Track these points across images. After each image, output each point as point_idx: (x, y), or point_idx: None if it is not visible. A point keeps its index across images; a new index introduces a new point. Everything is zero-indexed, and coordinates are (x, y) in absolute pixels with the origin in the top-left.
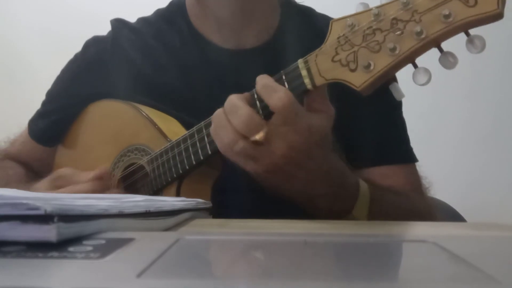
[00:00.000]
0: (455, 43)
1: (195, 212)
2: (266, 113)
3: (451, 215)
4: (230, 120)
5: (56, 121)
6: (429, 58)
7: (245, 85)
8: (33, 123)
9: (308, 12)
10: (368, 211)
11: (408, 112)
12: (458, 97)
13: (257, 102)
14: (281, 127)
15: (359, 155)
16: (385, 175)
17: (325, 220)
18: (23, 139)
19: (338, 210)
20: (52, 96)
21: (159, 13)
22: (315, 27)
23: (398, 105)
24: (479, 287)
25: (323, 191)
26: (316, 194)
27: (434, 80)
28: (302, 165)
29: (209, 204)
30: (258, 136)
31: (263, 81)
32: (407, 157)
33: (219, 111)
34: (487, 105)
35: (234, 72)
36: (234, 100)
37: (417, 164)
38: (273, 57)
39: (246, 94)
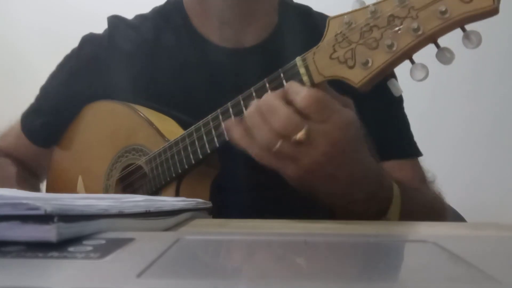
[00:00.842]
0: (456, 43)
1: (195, 212)
2: None
3: (451, 215)
4: (269, 121)
5: (52, 122)
6: (429, 58)
7: (243, 84)
8: (27, 119)
9: (305, 10)
10: (400, 213)
11: (408, 112)
12: (458, 97)
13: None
14: (319, 124)
15: None
16: (392, 169)
17: (325, 220)
18: (15, 133)
19: (374, 213)
20: (48, 94)
21: (156, 10)
22: (313, 25)
23: (400, 100)
24: (479, 287)
25: (362, 194)
26: (356, 197)
27: (434, 80)
28: (343, 164)
29: (209, 204)
30: (299, 135)
31: (290, 85)
32: (413, 151)
33: (252, 112)
34: (487, 105)
35: (232, 71)
36: (271, 100)
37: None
38: (271, 56)
39: (280, 91)
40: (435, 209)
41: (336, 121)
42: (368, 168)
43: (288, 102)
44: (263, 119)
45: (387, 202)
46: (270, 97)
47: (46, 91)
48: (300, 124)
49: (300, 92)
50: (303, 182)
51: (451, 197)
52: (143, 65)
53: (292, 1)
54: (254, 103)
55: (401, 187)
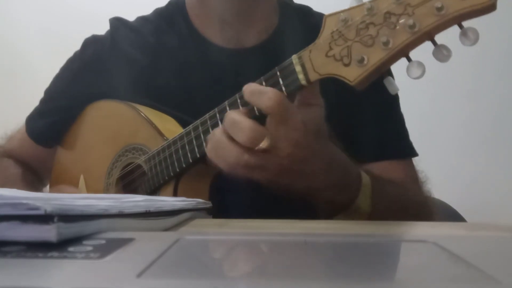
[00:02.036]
0: (456, 42)
1: (195, 212)
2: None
3: (451, 215)
4: (234, 136)
5: (55, 122)
6: (430, 58)
7: (243, 84)
8: (31, 121)
9: (305, 11)
10: (371, 201)
11: (408, 112)
12: (458, 97)
13: (255, 110)
14: (279, 128)
15: (358, 151)
16: (385, 169)
17: (326, 220)
18: (20, 136)
19: (343, 201)
20: (51, 95)
21: (158, 12)
22: (313, 25)
23: (396, 100)
24: (479, 287)
25: (328, 182)
26: (322, 186)
27: (434, 80)
28: (307, 160)
29: (209, 204)
30: (264, 144)
31: (249, 89)
32: (406, 152)
33: (216, 132)
34: (487, 105)
35: (232, 71)
36: (233, 116)
37: (416, 161)
38: (271, 56)
39: (243, 108)
40: (420, 212)
41: (293, 122)
42: (332, 158)
43: (247, 114)
44: (227, 136)
45: (355, 190)
46: (232, 113)
47: (50, 93)
48: (263, 133)
49: (267, 92)
50: (273, 183)
51: (451, 197)
52: (145, 66)
53: (292, 2)
54: (219, 127)
55: (373, 179)
